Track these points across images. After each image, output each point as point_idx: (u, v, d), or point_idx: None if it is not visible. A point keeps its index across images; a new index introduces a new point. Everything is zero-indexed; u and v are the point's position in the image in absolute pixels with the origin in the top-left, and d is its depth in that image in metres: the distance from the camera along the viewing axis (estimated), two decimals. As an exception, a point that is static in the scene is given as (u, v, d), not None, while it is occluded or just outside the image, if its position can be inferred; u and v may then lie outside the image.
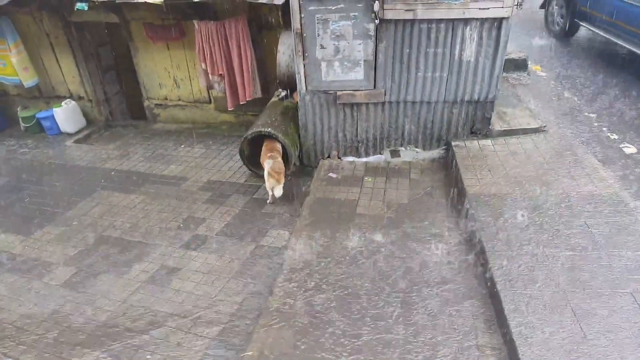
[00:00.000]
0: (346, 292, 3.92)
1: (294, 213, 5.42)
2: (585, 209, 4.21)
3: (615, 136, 5.51)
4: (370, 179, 5.62)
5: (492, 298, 3.63)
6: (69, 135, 8.45)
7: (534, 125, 5.71)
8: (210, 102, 8.18)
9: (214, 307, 4.15)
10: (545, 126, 5.69)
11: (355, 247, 4.45)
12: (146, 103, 8.61)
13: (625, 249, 3.70)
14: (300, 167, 6.33)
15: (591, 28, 8.16)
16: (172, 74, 8.08)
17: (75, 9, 6.45)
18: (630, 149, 5.23)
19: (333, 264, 4.26)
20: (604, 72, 7.58)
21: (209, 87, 7.38)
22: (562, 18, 9.19)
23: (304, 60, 5.53)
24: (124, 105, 9.32)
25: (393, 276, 4.04)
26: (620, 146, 5.29)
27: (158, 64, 8.03)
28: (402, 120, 5.82)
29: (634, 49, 6.95)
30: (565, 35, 9.18)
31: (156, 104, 8.56)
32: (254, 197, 5.90)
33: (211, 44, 6.73)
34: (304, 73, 5.62)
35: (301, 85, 5.71)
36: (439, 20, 5.08)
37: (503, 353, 3.23)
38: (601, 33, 7.84)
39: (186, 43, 7.55)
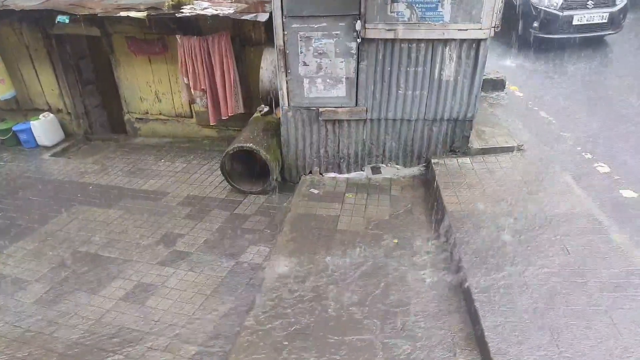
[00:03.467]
0: (325, 310, 3.90)
1: (274, 229, 5.39)
2: (561, 228, 4.28)
3: (589, 156, 5.65)
4: (351, 195, 5.64)
5: (471, 315, 3.65)
6: (47, 148, 8.31)
7: (511, 144, 5.81)
8: (192, 116, 8.15)
9: (191, 326, 4.07)
10: (522, 145, 5.80)
11: (335, 264, 4.44)
12: (127, 117, 8.53)
13: (599, 267, 3.77)
14: (281, 183, 6.31)
15: None
16: (154, 88, 8.05)
17: (57, 22, 6.41)
18: (604, 169, 5.36)
19: (313, 281, 4.24)
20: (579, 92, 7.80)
21: (191, 101, 7.36)
22: None
23: (286, 76, 5.56)
24: (104, 118, 9.22)
25: (372, 293, 4.03)
26: (594, 165, 5.43)
27: (140, 77, 7.99)
28: (383, 137, 5.87)
29: None
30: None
31: (137, 118, 8.48)
32: (234, 212, 5.86)
33: (194, 59, 6.74)
34: (287, 89, 5.65)
35: (283, 101, 5.74)
36: (420, 40, 5.18)
37: (481, 371, 3.24)
38: None
39: (168, 57, 7.55)
